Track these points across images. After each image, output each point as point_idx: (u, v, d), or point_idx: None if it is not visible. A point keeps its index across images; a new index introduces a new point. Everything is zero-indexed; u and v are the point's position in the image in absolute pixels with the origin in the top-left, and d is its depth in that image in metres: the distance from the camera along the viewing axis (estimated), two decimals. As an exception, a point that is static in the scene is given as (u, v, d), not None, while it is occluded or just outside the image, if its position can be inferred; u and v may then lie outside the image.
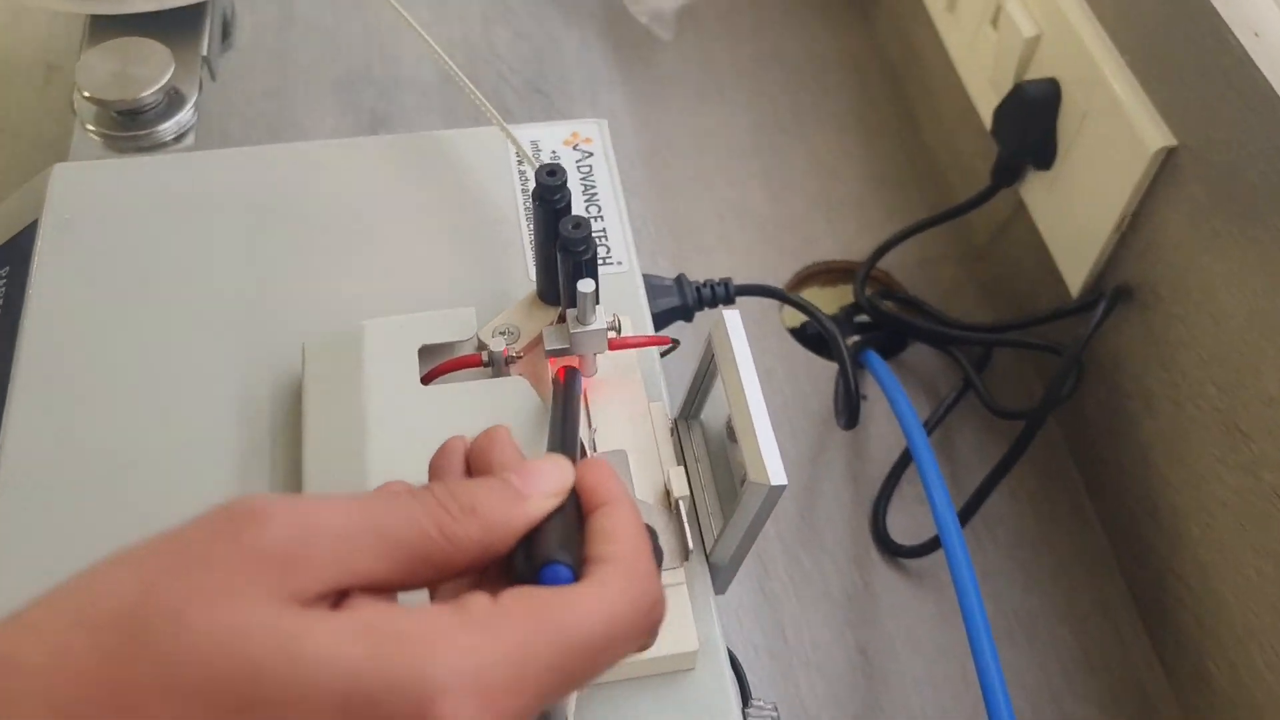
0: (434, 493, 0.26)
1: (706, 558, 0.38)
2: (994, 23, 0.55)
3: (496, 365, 0.39)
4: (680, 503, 0.37)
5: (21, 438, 0.40)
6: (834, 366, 0.57)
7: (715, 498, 0.40)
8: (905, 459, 0.54)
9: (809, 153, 0.67)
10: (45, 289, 0.44)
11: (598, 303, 0.38)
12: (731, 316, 0.37)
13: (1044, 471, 0.55)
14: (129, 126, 0.50)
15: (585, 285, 0.37)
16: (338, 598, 0.24)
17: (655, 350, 0.43)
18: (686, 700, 0.36)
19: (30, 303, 0.43)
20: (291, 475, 0.39)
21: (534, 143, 0.50)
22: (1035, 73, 0.51)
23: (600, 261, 0.46)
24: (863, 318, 0.61)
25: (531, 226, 0.46)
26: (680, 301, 0.51)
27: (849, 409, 0.51)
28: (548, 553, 0.26)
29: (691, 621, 0.36)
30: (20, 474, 0.39)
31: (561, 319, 0.39)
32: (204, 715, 0.21)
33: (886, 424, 0.56)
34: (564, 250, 0.36)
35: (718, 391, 0.40)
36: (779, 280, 0.62)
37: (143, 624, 0.22)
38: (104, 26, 0.52)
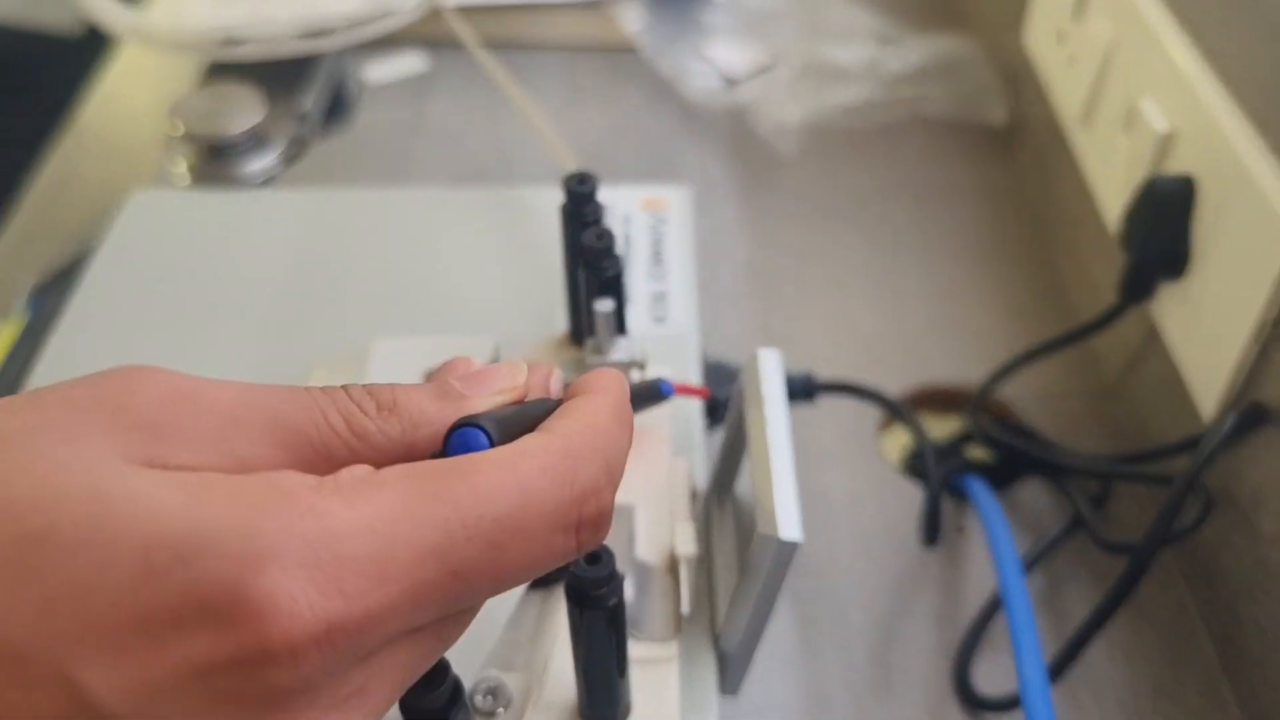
0: (348, 390, 0.22)
1: (715, 643, 0.32)
2: (1127, 128, 0.50)
3: (506, 398, 0.36)
4: (683, 562, 0.32)
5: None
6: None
7: (737, 576, 0.34)
8: (996, 602, 0.46)
9: (928, 275, 0.62)
10: (84, 305, 0.43)
11: (621, 331, 0.34)
12: (768, 354, 0.33)
13: (1165, 630, 0.46)
14: (216, 163, 0.50)
15: (603, 305, 0.33)
16: None
17: (699, 412, 0.39)
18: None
19: (61, 325, 0.42)
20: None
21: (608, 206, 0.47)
22: (1169, 171, 0.46)
23: (657, 321, 0.42)
24: (975, 452, 0.54)
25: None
26: (751, 391, 0.47)
27: (929, 522, 0.44)
28: (462, 421, 0.21)
29: (676, 706, 0.30)
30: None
31: (581, 347, 0.35)
32: None
33: (983, 564, 0.49)
34: (584, 264, 0.33)
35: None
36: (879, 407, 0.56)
37: None
38: (220, 73, 0.54)
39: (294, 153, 0.53)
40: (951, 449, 0.54)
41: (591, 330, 0.34)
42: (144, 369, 0.20)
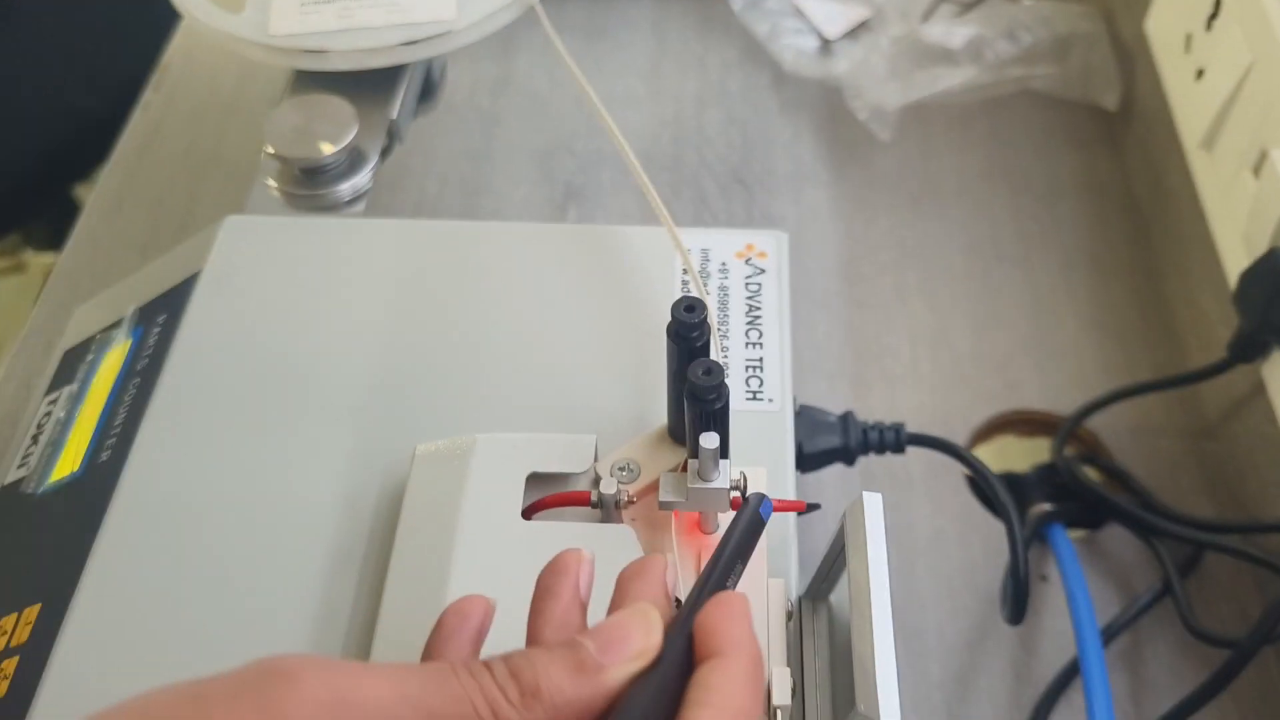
0: (493, 672, 0.23)
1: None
2: (1256, 171, 0.47)
3: (606, 509, 0.36)
4: (779, 713, 0.32)
5: (134, 488, 0.39)
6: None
7: (829, 698, 0.34)
8: (1077, 664, 0.46)
9: (1027, 286, 0.60)
10: (187, 345, 0.43)
11: (725, 457, 0.34)
12: (872, 501, 0.32)
13: (1255, 717, 0.46)
14: (307, 184, 0.49)
15: (709, 440, 0.32)
16: None
17: (791, 531, 0.38)
18: None
19: (171, 357, 0.43)
20: (374, 589, 0.36)
21: (704, 250, 0.46)
22: (1299, 241, 0.44)
23: (751, 396, 0.42)
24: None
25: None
26: (842, 442, 0.46)
27: (1016, 600, 0.44)
28: None
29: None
30: (122, 530, 0.38)
31: (684, 468, 0.35)
32: None
33: (1066, 616, 0.49)
34: (691, 398, 0.32)
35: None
36: (969, 422, 0.56)
37: None
38: (305, 80, 0.52)
39: (383, 162, 0.52)
40: (1037, 481, 0.53)
41: (694, 454, 0.33)
42: (288, 664, 0.21)
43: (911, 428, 0.46)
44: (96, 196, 0.65)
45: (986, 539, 0.51)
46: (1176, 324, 0.58)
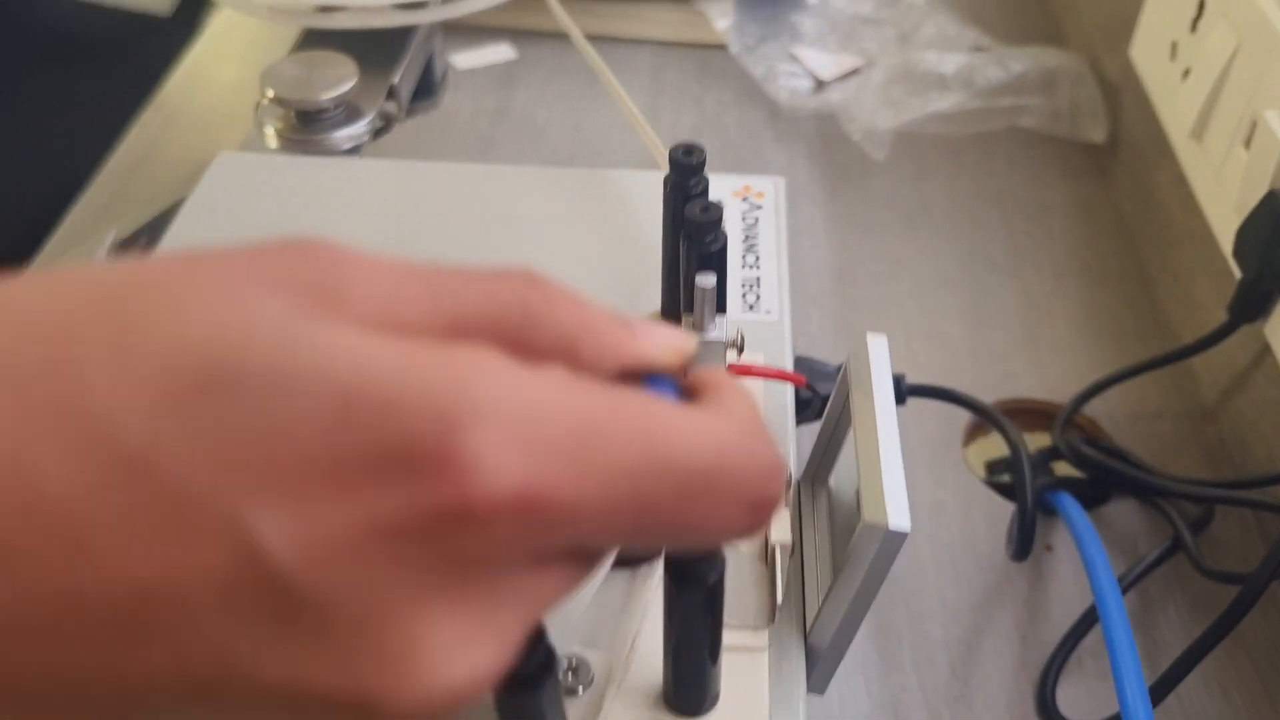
0: (527, 273, 0.21)
1: (805, 637, 0.31)
2: (1247, 143, 0.48)
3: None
4: (778, 550, 0.30)
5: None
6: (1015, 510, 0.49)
7: (829, 573, 0.32)
8: (1087, 621, 0.44)
9: (1020, 291, 0.60)
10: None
11: (722, 311, 0.33)
12: (877, 339, 0.31)
13: (1265, 664, 0.43)
14: (305, 129, 0.49)
15: (705, 279, 0.31)
16: None
17: (789, 401, 0.37)
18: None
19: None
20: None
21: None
22: (1294, 186, 0.44)
23: (749, 308, 0.41)
24: (1062, 470, 0.52)
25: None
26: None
27: (1022, 536, 0.42)
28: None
29: (766, 699, 0.28)
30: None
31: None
32: (155, 388, 0.16)
33: (1072, 583, 0.47)
34: (688, 237, 0.31)
35: (851, 450, 0.33)
36: (965, 413, 0.54)
37: (119, 297, 0.17)
38: (313, 41, 0.53)
39: (381, 125, 0.52)
40: (1038, 464, 0.52)
41: (689, 307, 0.32)
42: (301, 238, 0.19)
43: (910, 416, 0.45)
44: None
45: (988, 513, 0.49)
46: (1171, 321, 0.58)
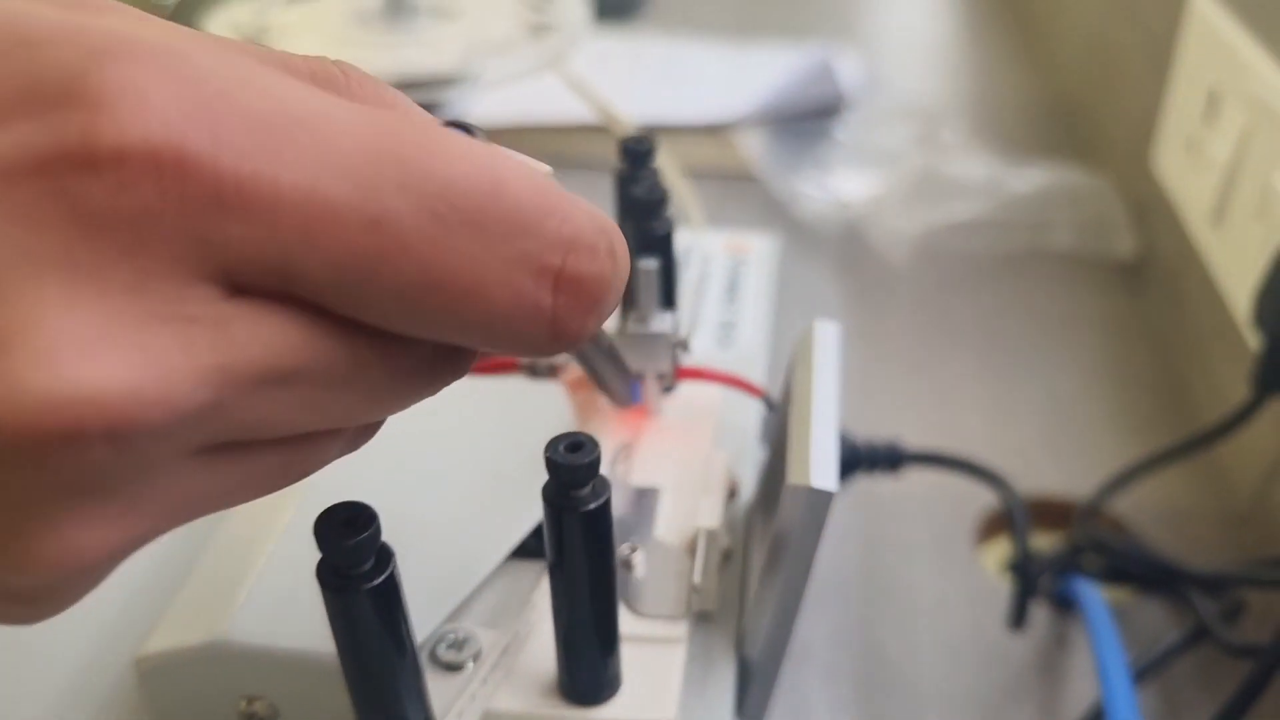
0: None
1: (738, 649, 0.28)
2: (1260, 213, 0.46)
3: (538, 373, 0.33)
4: (701, 535, 0.27)
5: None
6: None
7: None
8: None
9: (1045, 392, 0.58)
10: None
11: (670, 307, 0.31)
12: (826, 325, 0.29)
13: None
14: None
15: (647, 263, 0.30)
16: None
17: (755, 420, 0.35)
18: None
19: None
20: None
21: (688, 250, 0.45)
22: (1310, 244, 0.41)
23: (722, 346, 0.39)
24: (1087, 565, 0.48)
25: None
26: (831, 454, 0.42)
27: (1019, 603, 0.39)
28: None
29: (676, 689, 0.25)
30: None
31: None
32: None
33: (1088, 679, 0.42)
34: (633, 218, 0.30)
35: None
36: (984, 510, 0.51)
37: None
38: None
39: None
40: (1059, 560, 0.48)
41: (634, 300, 0.31)
42: None
43: (919, 512, 0.42)
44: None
45: (998, 608, 0.45)
46: (1203, 415, 0.54)
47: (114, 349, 0.14)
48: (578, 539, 0.21)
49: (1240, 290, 0.49)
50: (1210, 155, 0.53)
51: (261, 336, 0.15)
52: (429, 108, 0.19)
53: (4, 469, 0.14)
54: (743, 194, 0.76)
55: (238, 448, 0.16)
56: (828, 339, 0.29)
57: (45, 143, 0.14)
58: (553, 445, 0.21)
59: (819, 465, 0.24)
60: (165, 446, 0.15)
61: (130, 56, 0.14)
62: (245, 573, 0.26)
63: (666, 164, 0.49)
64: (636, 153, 0.31)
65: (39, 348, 0.13)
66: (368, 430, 0.19)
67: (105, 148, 0.14)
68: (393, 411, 0.18)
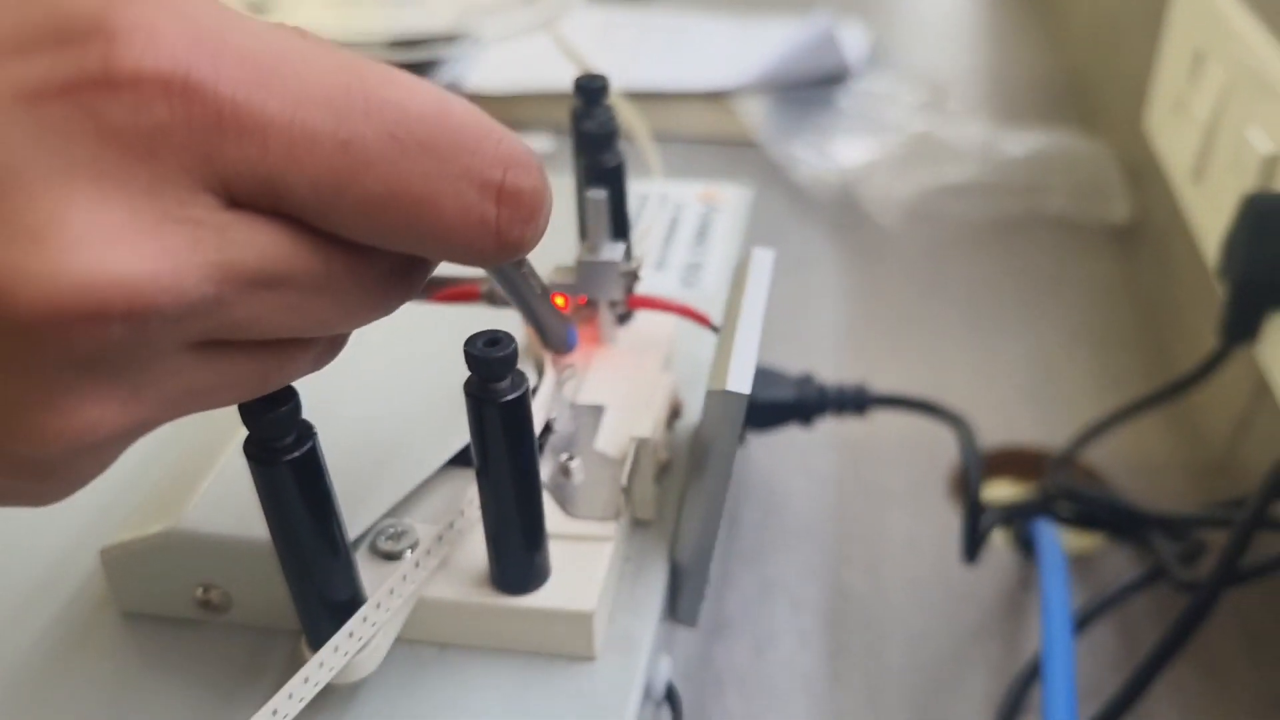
0: None
1: (670, 555, 0.29)
2: (1234, 166, 0.46)
3: (496, 301, 0.34)
4: (633, 443, 0.29)
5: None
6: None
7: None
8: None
9: (1029, 352, 0.58)
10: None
11: (624, 238, 0.32)
12: (762, 252, 0.30)
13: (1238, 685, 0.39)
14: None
15: (596, 193, 0.31)
16: None
17: (709, 356, 0.36)
18: (581, 691, 0.26)
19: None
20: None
21: (663, 196, 0.46)
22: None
23: (686, 285, 0.40)
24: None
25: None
26: (796, 396, 0.44)
27: (969, 537, 0.40)
28: None
29: (600, 581, 0.26)
30: None
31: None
32: None
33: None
34: (584, 152, 0.32)
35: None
36: (950, 461, 0.52)
37: None
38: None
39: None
40: (1027, 506, 0.48)
41: (584, 230, 0.32)
42: None
43: (895, 459, 0.43)
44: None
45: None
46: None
47: (135, 241, 0.16)
48: (499, 429, 0.23)
49: (1212, 238, 0.49)
50: (1193, 114, 0.53)
51: (256, 243, 0.17)
52: (426, 67, 0.21)
53: (30, 344, 0.16)
54: (741, 159, 0.77)
55: (227, 346, 0.19)
56: (763, 265, 0.30)
57: (72, 69, 0.16)
58: (472, 341, 0.22)
59: (736, 371, 0.25)
60: (169, 334, 0.17)
61: (150, 4, 0.16)
62: (204, 472, 0.27)
63: (636, 124, 0.50)
64: (590, 89, 0.32)
65: (72, 236, 0.16)
66: (333, 347, 0.21)
67: (124, 72, 0.16)
68: (358, 323, 0.20)
